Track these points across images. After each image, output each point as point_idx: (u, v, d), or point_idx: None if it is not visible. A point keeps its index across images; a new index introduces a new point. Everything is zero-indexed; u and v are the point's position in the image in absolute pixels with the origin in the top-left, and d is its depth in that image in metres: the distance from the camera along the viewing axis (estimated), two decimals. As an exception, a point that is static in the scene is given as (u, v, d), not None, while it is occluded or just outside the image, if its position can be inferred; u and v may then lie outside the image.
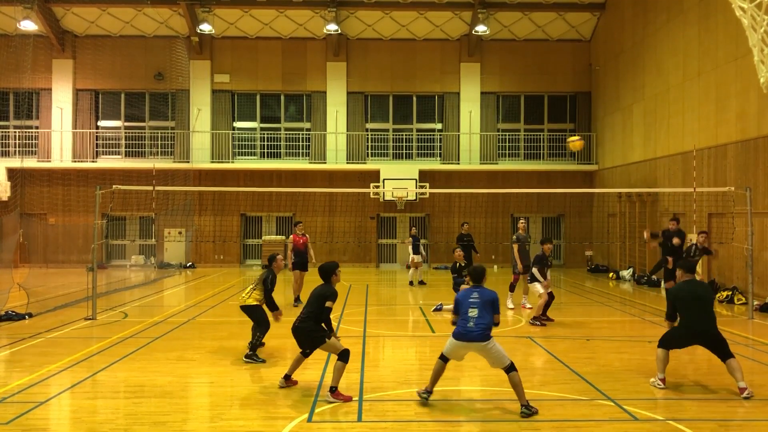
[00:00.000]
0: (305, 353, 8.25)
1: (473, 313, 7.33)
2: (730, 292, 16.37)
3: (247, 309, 10.18)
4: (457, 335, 7.41)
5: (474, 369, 9.44)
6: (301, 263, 15.77)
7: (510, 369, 7.24)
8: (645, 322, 13.54)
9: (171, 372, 9.03)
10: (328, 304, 7.91)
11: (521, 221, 16.00)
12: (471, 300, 7.43)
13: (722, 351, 8.11)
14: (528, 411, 7.09)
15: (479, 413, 7.55)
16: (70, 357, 9.85)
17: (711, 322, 8.19)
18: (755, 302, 14.54)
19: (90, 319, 13.26)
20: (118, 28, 27.49)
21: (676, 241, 13.34)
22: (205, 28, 26.15)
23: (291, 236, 16.44)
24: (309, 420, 6.98)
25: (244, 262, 27.98)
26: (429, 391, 7.60)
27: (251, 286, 10.27)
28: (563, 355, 10.15)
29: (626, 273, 22.66)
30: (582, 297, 17.99)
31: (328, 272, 8.14)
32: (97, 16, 27.01)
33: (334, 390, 7.66)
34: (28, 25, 24.74)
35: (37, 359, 9.74)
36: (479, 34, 26.42)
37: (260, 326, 10.13)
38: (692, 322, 8.22)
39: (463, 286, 13.19)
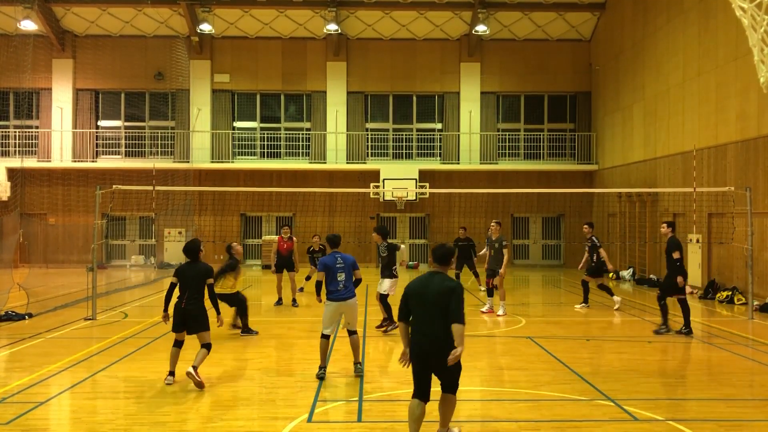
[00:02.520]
0: (181, 343, 8.66)
1: (341, 277, 8.77)
2: (730, 292, 16.37)
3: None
4: (333, 298, 8.72)
5: (474, 369, 9.44)
6: (281, 265, 15.45)
7: (354, 333, 8.89)
8: (645, 322, 13.54)
9: (171, 372, 9.03)
10: (209, 281, 8.66)
11: (492, 224, 15.70)
12: (338, 266, 8.80)
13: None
14: (360, 367, 8.82)
15: (479, 413, 7.55)
16: (70, 357, 9.85)
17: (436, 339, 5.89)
18: (755, 302, 14.54)
19: (90, 319, 13.26)
20: (118, 28, 27.49)
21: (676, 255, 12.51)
22: (205, 28, 26.13)
23: (277, 237, 16.08)
24: (309, 420, 6.98)
25: (244, 262, 27.96)
26: (323, 367, 8.72)
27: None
28: (563, 355, 10.15)
29: (626, 273, 22.66)
30: (582, 297, 17.98)
31: (195, 251, 8.76)
32: (97, 15, 27.01)
33: (195, 368, 8.28)
34: (28, 25, 24.73)
35: (37, 359, 9.74)
36: (479, 34, 26.41)
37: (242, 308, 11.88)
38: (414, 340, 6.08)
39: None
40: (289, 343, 11.37)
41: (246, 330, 11.83)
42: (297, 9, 26.76)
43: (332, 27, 26.06)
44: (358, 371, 8.80)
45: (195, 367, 8.25)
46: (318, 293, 8.96)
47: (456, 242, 18.51)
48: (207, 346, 8.54)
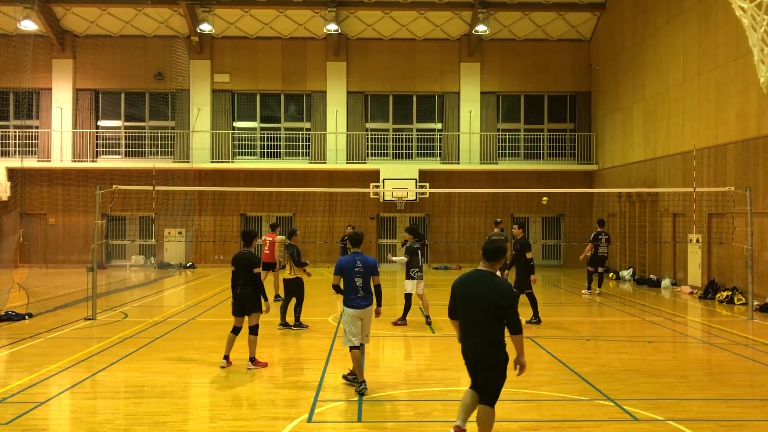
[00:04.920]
0: (238, 330, 9.46)
1: (359, 282, 8.16)
2: (730, 292, 16.37)
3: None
4: (352, 306, 8.12)
5: (474, 369, 9.44)
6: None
7: (362, 345, 8.19)
8: (645, 322, 13.55)
9: (171, 372, 9.04)
10: (255, 270, 9.33)
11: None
12: (356, 270, 8.17)
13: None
14: (361, 386, 7.93)
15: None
16: (70, 357, 9.85)
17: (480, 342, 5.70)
18: (755, 302, 14.54)
19: (90, 319, 13.26)
20: (118, 28, 27.48)
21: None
22: (205, 27, 26.12)
23: (279, 237, 16.37)
24: (309, 420, 6.98)
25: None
26: (362, 382, 7.99)
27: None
28: (563, 355, 10.15)
29: (626, 273, 22.65)
30: (582, 297, 17.99)
31: (249, 237, 9.68)
32: (97, 15, 27.00)
33: (252, 359, 9.31)
34: (28, 25, 24.72)
35: (37, 359, 9.74)
36: (479, 33, 26.40)
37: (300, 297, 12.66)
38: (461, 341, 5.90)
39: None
40: (290, 343, 11.36)
41: (298, 323, 12.52)
42: (297, 9, 26.76)
43: (332, 27, 26.05)
44: (361, 390, 7.97)
45: (252, 359, 9.28)
46: (339, 293, 8.29)
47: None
48: (253, 330, 9.34)
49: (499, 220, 17.95)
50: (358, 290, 8.12)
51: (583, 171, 27.52)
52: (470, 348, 5.73)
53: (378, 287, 8.29)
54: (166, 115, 28.27)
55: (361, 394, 7.82)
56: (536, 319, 13.02)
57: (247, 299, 9.31)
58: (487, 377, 5.66)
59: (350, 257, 8.28)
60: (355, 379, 8.13)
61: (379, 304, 8.32)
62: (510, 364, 5.77)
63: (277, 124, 28.32)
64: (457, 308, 5.81)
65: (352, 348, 8.06)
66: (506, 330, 5.77)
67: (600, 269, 18.34)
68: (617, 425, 6.80)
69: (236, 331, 9.41)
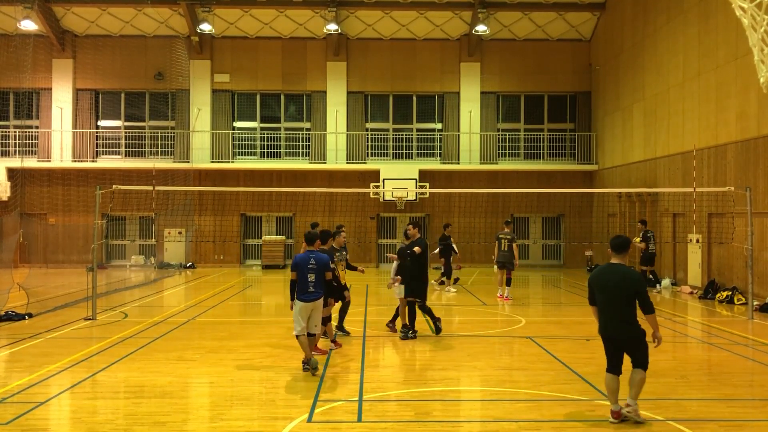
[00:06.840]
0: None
1: (312, 278, 8.95)
2: (730, 292, 16.36)
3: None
4: (303, 299, 8.97)
5: (474, 369, 9.45)
6: None
7: (313, 335, 9.16)
8: (644, 323, 13.53)
9: (171, 372, 9.04)
10: (332, 265, 9.82)
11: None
12: (310, 266, 8.97)
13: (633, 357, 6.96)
14: (315, 363, 8.91)
15: (479, 413, 7.55)
16: (70, 357, 9.85)
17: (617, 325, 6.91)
18: (755, 302, 14.53)
19: (90, 319, 13.26)
20: (118, 28, 27.47)
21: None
22: (205, 27, 26.12)
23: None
24: (309, 420, 6.98)
25: (244, 262, 27.96)
26: (308, 360, 8.94)
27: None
28: (563, 355, 10.15)
29: (626, 273, 22.64)
30: (582, 297, 17.98)
31: (328, 236, 10.34)
32: (97, 15, 27.00)
33: (333, 340, 10.37)
34: (28, 25, 24.72)
35: (37, 359, 9.74)
36: (479, 33, 26.39)
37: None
38: (600, 323, 7.10)
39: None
40: (289, 343, 11.35)
41: (340, 328, 11.72)
42: (297, 9, 26.75)
43: (332, 27, 26.05)
44: (307, 368, 8.93)
45: (333, 340, 10.35)
46: (292, 296, 9.09)
47: (442, 239, 20.22)
48: (324, 321, 9.85)
49: (509, 220, 18.21)
50: (309, 285, 8.95)
51: (583, 171, 27.52)
52: (608, 329, 6.92)
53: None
54: (166, 115, 28.26)
55: (314, 369, 8.81)
56: (413, 333, 11.49)
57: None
58: (634, 349, 6.86)
59: (305, 255, 9.10)
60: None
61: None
62: (648, 338, 6.94)
63: (277, 124, 28.32)
64: (595, 296, 7.00)
65: (298, 336, 9.01)
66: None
67: (644, 267, 18.91)
68: (617, 425, 6.80)
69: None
